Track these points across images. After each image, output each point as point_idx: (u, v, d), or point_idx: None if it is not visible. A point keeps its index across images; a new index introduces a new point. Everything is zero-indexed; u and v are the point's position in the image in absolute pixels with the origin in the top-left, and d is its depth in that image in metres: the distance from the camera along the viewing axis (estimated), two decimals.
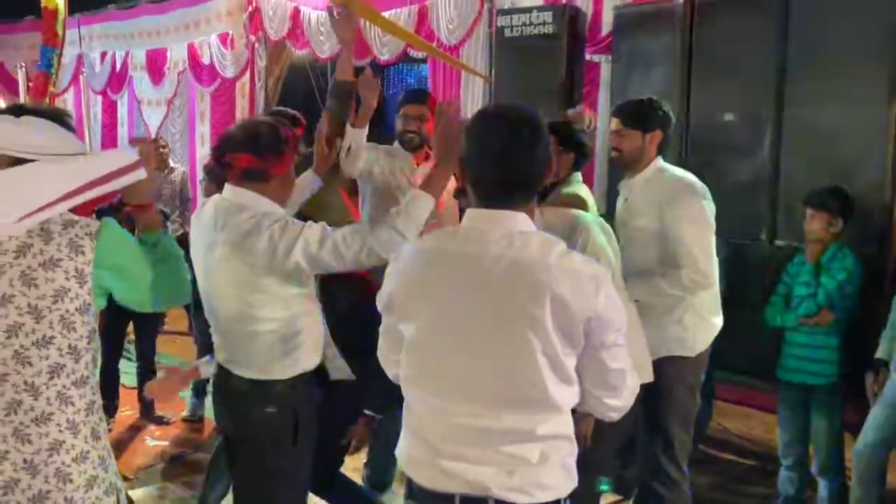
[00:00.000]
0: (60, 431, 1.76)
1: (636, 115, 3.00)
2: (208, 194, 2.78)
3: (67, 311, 1.75)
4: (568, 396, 1.69)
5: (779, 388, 3.71)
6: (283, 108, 3.88)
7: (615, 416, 1.83)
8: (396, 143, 3.70)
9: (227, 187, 2.40)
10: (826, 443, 3.56)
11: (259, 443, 2.43)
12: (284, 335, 2.39)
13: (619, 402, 1.79)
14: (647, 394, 2.38)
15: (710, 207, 2.91)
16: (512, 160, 1.69)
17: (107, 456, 1.86)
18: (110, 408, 4.77)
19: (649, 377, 2.78)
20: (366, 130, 3.32)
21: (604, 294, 1.64)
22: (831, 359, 3.51)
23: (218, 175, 2.41)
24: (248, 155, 2.32)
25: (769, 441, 4.40)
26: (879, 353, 3.39)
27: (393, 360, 1.86)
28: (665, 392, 2.95)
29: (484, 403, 1.67)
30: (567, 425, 1.72)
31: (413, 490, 1.78)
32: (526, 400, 1.66)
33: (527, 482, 1.67)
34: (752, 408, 4.83)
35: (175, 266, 1.94)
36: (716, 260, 2.90)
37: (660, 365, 2.88)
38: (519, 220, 1.70)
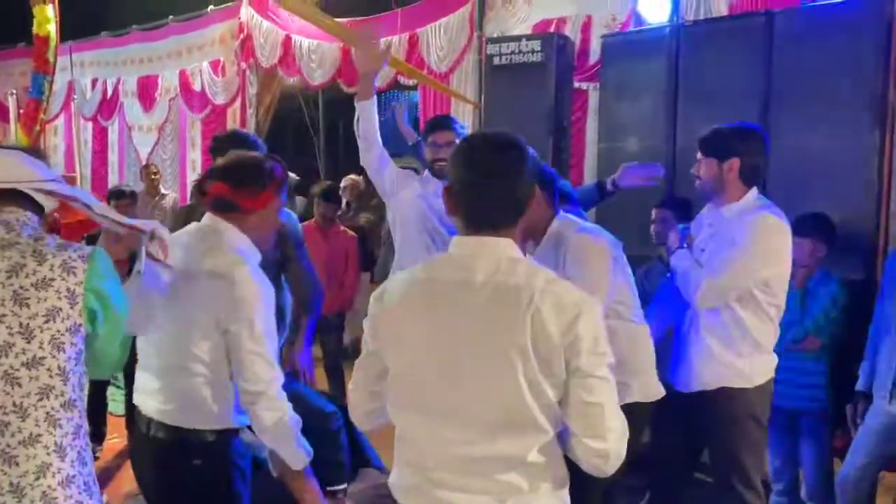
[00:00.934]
0: (48, 454, 1.74)
1: (710, 142, 2.94)
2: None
3: (58, 331, 1.75)
4: (553, 419, 1.68)
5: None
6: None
7: (602, 464, 1.70)
8: (426, 172, 3.75)
9: (206, 215, 2.35)
10: (815, 467, 3.57)
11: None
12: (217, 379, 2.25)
13: (602, 445, 1.67)
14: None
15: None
16: (497, 185, 1.71)
17: (91, 483, 1.84)
18: (98, 434, 4.74)
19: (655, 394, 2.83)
20: (372, 101, 3.33)
21: (585, 320, 1.64)
22: (819, 384, 3.53)
23: (198, 199, 2.37)
24: (221, 183, 2.28)
25: None
26: (860, 386, 3.41)
27: (369, 392, 1.86)
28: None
29: (476, 429, 1.67)
30: (557, 453, 1.72)
31: None
32: (514, 423, 1.66)
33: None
34: None
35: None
36: None
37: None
38: (505, 246, 1.72)
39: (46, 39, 8.42)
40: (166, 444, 2.26)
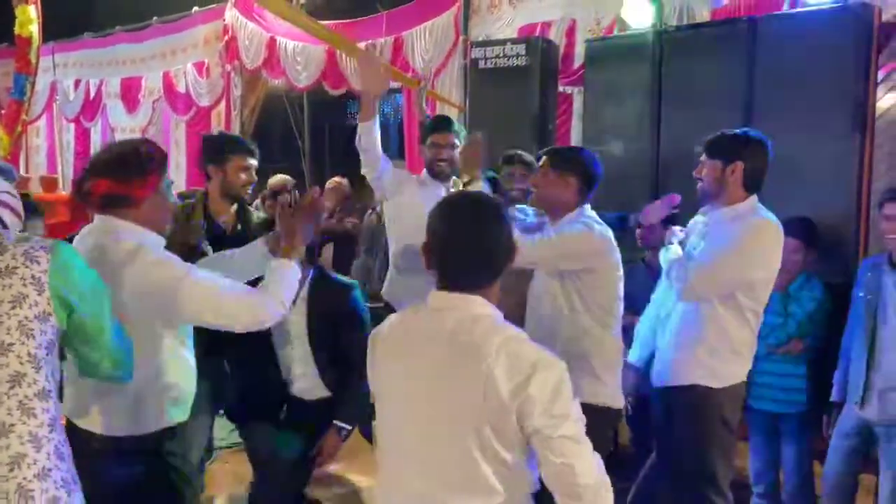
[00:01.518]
0: (22, 444, 1.70)
1: (716, 145, 2.97)
2: None
3: (26, 317, 1.72)
4: (508, 481, 1.68)
5: (749, 416, 3.74)
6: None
7: None
8: (425, 173, 3.76)
9: (96, 218, 2.23)
10: (796, 470, 3.59)
11: None
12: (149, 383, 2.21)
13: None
14: None
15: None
16: (471, 248, 1.75)
17: (71, 480, 1.78)
18: None
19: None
20: (374, 123, 3.34)
21: (539, 380, 1.62)
22: (800, 387, 3.55)
23: (81, 200, 2.24)
24: (105, 180, 2.18)
25: (741, 469, 4.42)
26: (834, 396, 3.46)
27: None
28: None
29: (433, 482, 1.71)
30: None
31: None
32: (467, 482, 1.68)
33: None
34: None
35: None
36: None
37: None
38: (475, 304, 1.74)
39: (29, 40, 8.37)
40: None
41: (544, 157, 3.03)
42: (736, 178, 2.90)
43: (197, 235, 3.17)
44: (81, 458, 2.10)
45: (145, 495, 2.22)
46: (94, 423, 2.21)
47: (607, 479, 1.72)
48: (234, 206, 3.36)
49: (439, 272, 1.78)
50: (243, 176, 3.28)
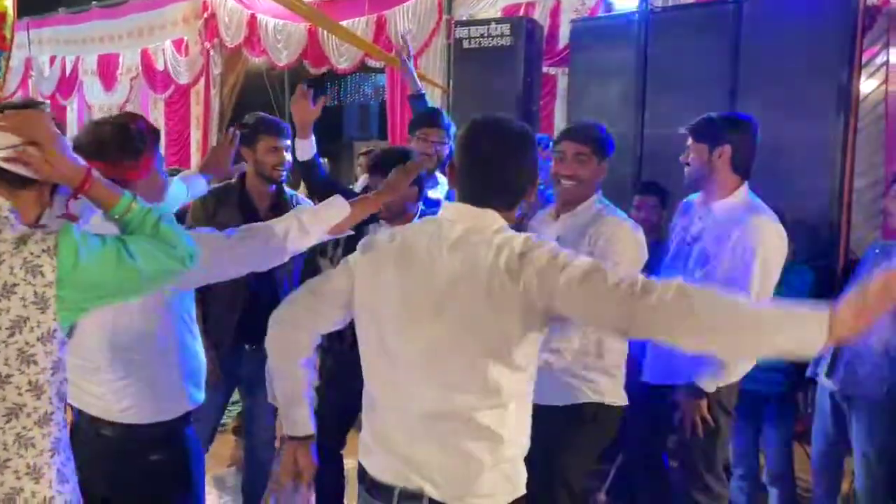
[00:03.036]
0: (18, 479, 1.58)
1: (702, 128, 2.91)
2: None
3: (27, 342, 1.55)
4: (508, 381, 1.68)
5: None
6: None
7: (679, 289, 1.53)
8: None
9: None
10: (777, 452, 3.62)
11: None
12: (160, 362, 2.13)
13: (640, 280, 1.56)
14: None
15: None
16: (496, 167, 1.75)
17: (75, 501, 1.67)
18: None
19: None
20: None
21: (537, 253, 1.63)
22: (783, 368, 3.56)
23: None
24: (97, 162, 1.93)
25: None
26: (809, 372, 3.46)
27: (307, 307, 1.88)
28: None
29: (434, 387, 1.69)
30: (510, 424, 1.72)
31: (363, 476, 1.83)
32: (474, 385, 1.67)
33: (462, 485, 1.69)
34: None
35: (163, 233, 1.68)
36: None
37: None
38: (488, 216, 1.75)
39: (3, 15, 8.18)
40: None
41: (587, 145, 2.79)
42: (724, 161, 2.86)
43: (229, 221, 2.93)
44: (97, 449, 2.08)
45: (164, 482, 2.15)
46: (109, 412, 2.11)
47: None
48: (272, 188, 3.25)
49: (459, 189, 1.79)
50: (272, 157, 3.17)
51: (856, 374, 3.22)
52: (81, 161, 1.67)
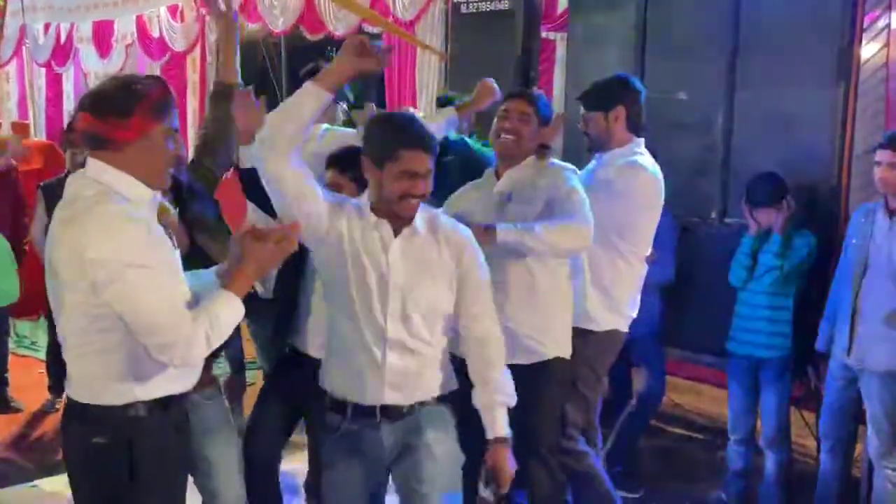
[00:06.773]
0: None
1: (593, 96, 3.11)
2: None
3: None
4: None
5: (729, 362, 3.78)
6: None
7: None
8: None
9: (88, 160, 1.99)
10: (774, 416, 3.64)
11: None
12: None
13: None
14: None
15: None
16: None
17: None
18: (58, 387, 4.68)
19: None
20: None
21: None
22: (782, 332, 3.58)
23: (71, 141, 2.07)
24: (86, 114, 1.93)
25: (719, 416, 4.48)
26: (819, 346, 3.49)
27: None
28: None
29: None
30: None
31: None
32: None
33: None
34: (702, 383, 4.93)
35: None
36: None
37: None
38: None
39: None
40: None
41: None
42: (620, 124, 3.05)
43: None
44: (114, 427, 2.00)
45: (103, 467, 2.04)
46: (124, 393, 2.01)
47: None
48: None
49: None
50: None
51: (870, 348, 3.27)
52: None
